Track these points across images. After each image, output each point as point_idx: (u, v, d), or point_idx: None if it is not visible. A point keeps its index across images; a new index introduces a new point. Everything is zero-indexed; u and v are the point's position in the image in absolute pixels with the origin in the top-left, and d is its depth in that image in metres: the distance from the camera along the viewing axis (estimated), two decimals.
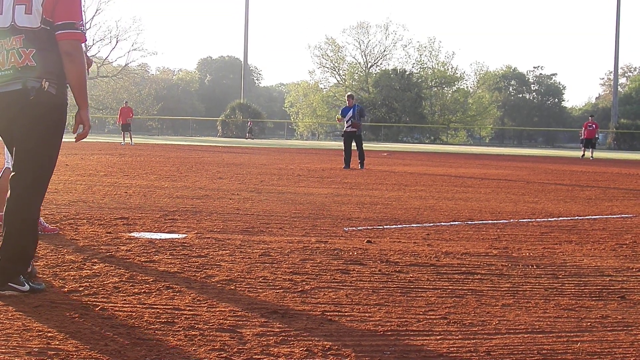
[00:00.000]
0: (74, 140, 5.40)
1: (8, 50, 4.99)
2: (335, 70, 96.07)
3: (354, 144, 22.73)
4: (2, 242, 5.00)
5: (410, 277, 6.01)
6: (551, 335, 4.45)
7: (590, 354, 4.09)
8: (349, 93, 24.86)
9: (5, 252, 4.96)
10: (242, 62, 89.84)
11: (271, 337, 4.19)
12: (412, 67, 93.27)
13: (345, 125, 22.76)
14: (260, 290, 5.37)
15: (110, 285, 5.37)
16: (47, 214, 8.80)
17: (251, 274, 5.92)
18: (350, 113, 22.51)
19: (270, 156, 29.83)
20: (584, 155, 40.22)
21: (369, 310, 4.89)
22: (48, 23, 4.96)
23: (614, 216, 10.92)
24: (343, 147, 22.87)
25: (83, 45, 5.14)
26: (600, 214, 11.12)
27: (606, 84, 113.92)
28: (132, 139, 41.09)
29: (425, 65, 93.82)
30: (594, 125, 40.37)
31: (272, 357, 3.84)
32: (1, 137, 5.28)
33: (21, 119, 4.96)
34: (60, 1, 4.96)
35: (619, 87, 79.36)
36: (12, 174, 5.04)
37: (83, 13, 5.22)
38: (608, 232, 9.03)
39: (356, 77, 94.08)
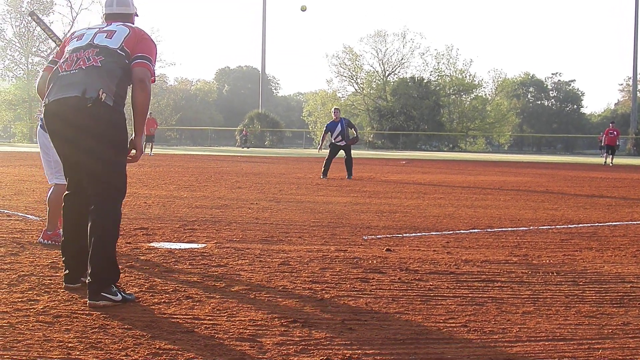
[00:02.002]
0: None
1: (79, 58, 5.35)
2: (353, 79, 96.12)
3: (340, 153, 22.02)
4: (91, 254, 5.12)
5: (430, 285, 5.99)
6: (572, 342, 4.43)
7: None
8: (335, 107, 23.89)
9: (96, 263, 5.10)
10: (260, 72, 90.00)
11: (291, 346, 4.19)
12: (430, 75, 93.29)
13: (334, 140, 21.84)
14: (280, 299, 5.37)
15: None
16: None
17: (271, 283, 5.93)
18: (339, 128, 21.67)
19: (288, 165, 29.86)
20: (606, 162, 39.96)
21: (388, 319, 4.89)
22: (125, 51, 5.37)
23: (635, 222, 10.86)
24: (326, 157, 21.92)
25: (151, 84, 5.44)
26: (620, 221, 11.05)
27: (625, 89, 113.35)
28: (152, 150, 41.24)
29: (443, 73, 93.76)
30: (615, 132, 40.15)
31: None
32: (55, 141, 5.47)
33: (82, 126, 5.20)
34: (141, 43, 5.45)
35: (638, 92, 78.76)
36: (87, 183, 5.29)
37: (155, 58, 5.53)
38: (629, 239, 8.98)
39: (374, 86, 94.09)
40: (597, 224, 10.50)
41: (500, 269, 6.77)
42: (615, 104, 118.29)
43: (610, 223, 10.69)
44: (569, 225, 10.25)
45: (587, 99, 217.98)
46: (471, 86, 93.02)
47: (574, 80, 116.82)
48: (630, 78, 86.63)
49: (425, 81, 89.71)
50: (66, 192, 5.58)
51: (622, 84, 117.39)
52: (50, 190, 7.61)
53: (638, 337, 4.59)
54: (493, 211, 12.11)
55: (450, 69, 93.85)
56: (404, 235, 8.92)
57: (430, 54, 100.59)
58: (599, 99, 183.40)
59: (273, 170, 25.20)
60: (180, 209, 11.35)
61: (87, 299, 5.08)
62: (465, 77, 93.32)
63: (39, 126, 7.72)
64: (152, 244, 7.75)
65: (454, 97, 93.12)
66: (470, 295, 5.67)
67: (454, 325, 4.77)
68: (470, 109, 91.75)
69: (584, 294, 5.77)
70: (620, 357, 4.14)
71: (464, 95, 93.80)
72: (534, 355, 4.15)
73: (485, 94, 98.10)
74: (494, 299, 5.54)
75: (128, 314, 4.84)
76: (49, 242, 7.56)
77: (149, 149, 40.36)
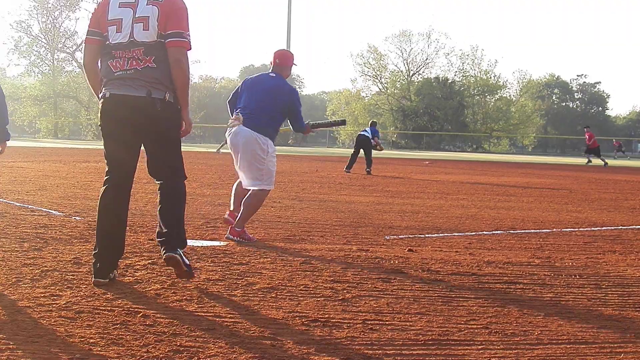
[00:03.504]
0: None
1: (129, 58, 5.61)
2: (377, 79, 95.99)
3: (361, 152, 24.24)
4: (167, 218, 5.85)
5: (452, 286, 5.98)
6: (594, 346, 4.41)
7: None
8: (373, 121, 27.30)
9: (174, 223, 5.85)
10: None
11: (312, 346, 4.19)
12: (455, 75, 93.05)
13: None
14: (301, 298, 5.37)
15: (152, 292, 5.41)
16: (90, 220, 8.88)
17: (292, 281, 5.93)
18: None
19: (311, 164, 29.84)
20: (606, 163, 40.04)
21: (410, 319, 4.88)
22: (161, 36, 5.59)
23: None
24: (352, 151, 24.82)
25: (188, 52, 5.70)
26: None
27: None
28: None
29: (468, 74, 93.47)
30: (588, 136, 40.58)
31: None
32: (117, 134, 5.76)
33: (152, 125, 5.67)
34: (171, 16, 5.59)
35: None
36: (158, 170, 5.90)
37: (189, 25, 5.74)
38: None
39: (398, 85, 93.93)
40: (620, 227, 10.44)
41: (522, 271, 6.75)
42: None
43: (635, 226, 10.62)
44: (593, 228, 10.20)
45: (612, 101, 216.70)
46: (496, 87, 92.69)
47: (599, 82, 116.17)
48: None
49: (449, 81, 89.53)
50: (109, 184, 5.78)
51: None
52: (254, 199, 8.24)
53: None
54: (516, 213, 12.06)
55: (474, 70, 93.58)
56: (426, 235, 8.90)
57: (455, 54, 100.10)
58: (625, 101, 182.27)
59: (296, 168, 25.20)
60: (203, 206, 11.38)
61: (164, 253, 5.66)
62: (490, 77, 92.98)
63: (249, 132, 8.16)
64: None
65: (478, 97, 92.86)
66: (492, 296, 5.65)
67: (475, 326, 4.75)
68: (494, 109, 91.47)
69: (607, 298, 5.74)
70: None
71: (488, 96, 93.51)
72: (556, 358, 4.14)
73: (510, 95, 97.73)
74: (515, 301, 5.51)
75: (150, 310, 4.86)
76: (237, 238, 8.03)
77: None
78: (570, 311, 5.26)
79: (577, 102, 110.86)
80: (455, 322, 4.86)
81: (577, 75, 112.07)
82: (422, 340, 4.39)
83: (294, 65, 8.59)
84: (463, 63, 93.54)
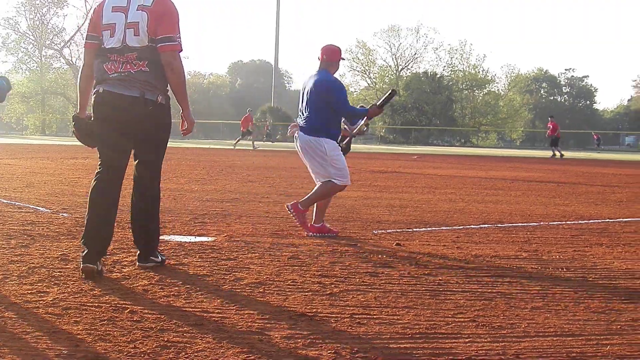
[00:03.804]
0: (182, 135, 6.38)
1: (123, 62, 5.82)
2: (365, 74, 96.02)
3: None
4: (143, 226, 6.13)
5: (439, 279, 5.99)
6: (580, 338, 4.42)
7: (620, 357, 4.07)
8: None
9: (147, 233, 6.13)
10: (273, 66, 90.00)
11: (299, 340, 4.19)
12: (443, 70, 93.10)
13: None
14: (289, 293, 5.37)
15: (139, 288, 5.40)
16: (77, 217, 8.86)
17: (280, 276, 5.93)
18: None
19: (300, 159, 29.79)
20: (555, 155, 40.09)
21: (397, 313, 4.89)
22: (152, 41, 5.79)
23: None
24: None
25: (180, 54, 5.95)
26: (631, 217, 11.02)
27: (639, 85, 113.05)
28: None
29: (456, 68, 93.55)
30: (552, 126, 40.53)
31: None
32: (105, 128, 5.93)
33: (142, 124, 5.88)
34: (160, 21, 5.79)
35: None
36: (138, 168, 6.08)
37: (179, 27, 5.96)
38: (639, 235, 8.95)
39: (387, 80, 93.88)
40: (607, 220, 10.48)
41: (509, 264, 6.77)
42: (629, 100, 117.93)
43: (621, 219, 10.66)
44: (580, 221, 10.23)
45: (600, 95, 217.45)
46: (484, 81, 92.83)
47: (587, 76, 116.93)
48: None
49: (438, 76, 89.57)
50: (101, 175, 5.94)
51: (635, 80, 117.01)
52: (324, 186, 8.48)
53: None
54: (504, 206, 12.09)
55: (463, 64, 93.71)
56: (414, 230, 8.92)
57: (444, 49, 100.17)
58: (613, 95, 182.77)
59: (284, 164, 25.19)
60: (191, 202, 11.37)
61: (137, 262, 6.14)
62: (479, 72, 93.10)
63: (304, 136, 8.45)
64: (162, 237, 7.73)
65: (466, 92, 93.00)
66: (479, 290, 5.66)
67: (462, 320, 4.77)
68: (482, 104, 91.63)
69: (594, 290, 5.76)
70: (628, 354, 4.13)
71: (476, 91, 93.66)
72: (542, 350, 4.15)
73: (498, 90, 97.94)
74: (503, 294, 5.53)
75: (137, 306, 4.85)
76: (316, 234, 8.31)
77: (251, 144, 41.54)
78: (557, 304, 5.28)
79: (565, 96, 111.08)
80: (443, 315, 4.87)
81: (565, 69, 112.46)
82: (409, 334, 4.40)
83: (341, 60, 8.59)
84: (452, 58, 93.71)
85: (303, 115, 8.42)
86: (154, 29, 5.76)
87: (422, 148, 60.05)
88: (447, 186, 16.71)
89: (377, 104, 8.53)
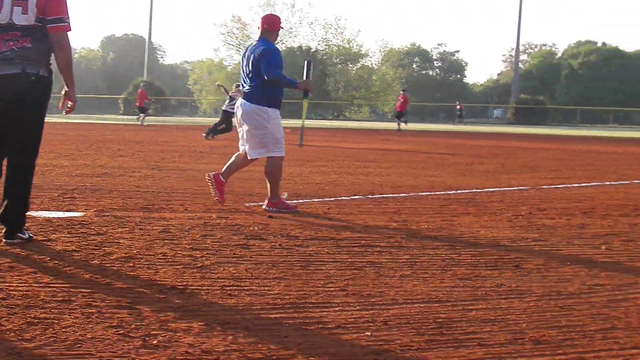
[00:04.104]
0: (64, 113, 6.44)
1: (6, 40, 5.82)
2: (240, 48, 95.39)
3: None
4: (11, 203, 6.00)
5: (310, 250, 6.04)
6: (447, 304, 4.54)
7: (485, 321, 4.19)
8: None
9: (15, 210, 6.02)
10: (146, 40, 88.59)
11: (169, 313, 4.16)
12: (318, 44, 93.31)
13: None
14: (160, 267, 5.32)
15: (5, 264, 5.25)
16: None
17: (150, 251, 5.87)
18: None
19: (172, 133, 29.55)
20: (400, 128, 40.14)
21: (268, 284, 4.91)
22: (40, 20, 5.82)
23: (511, 189, 11.16)
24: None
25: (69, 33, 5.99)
26: (497, 187, 11.35)
27: (507, 60, 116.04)
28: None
29: (331, 43, 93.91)
30: (403, 99, 40.79)
31: (170, 333, 3.81)
32: None
33: (21, 98, 5.85)
34: (50, 1, 5.81)
35: (519, 63, 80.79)
36: (16, 143, 5.99)
37: (67, 7, 5.98)
38: (505, 204, 9.23)
39: None
40: (475, 190, 10.75)
41: (379, 234, 6.88)
42: (498, 74, 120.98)
43: (488, 189, 10.96)
44: (448, 192, 10.47)
45: (470, 70, 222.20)
46: (357, 56, 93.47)
47: (459, 50, 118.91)
48: (513, 49, 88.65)
49: (312, 51, 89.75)
50: None
51: (505, 55, 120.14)
52: (267, 164, 8.53)
53: (510, 298, 4.73)
54: (375, 178, 12.27)
55: (337, 39, 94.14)
56: (286, 202, 8.94)
57: (319, 23, 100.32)
58: (483, 69, 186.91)
59: (156, 138, 24.90)
60: (60, 177, 11.11)
61: (2, 239, 5.97)
62: (353, 47, 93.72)
63: (247, 104, 8.42)
64: (29, 213, 7.55)
65: (340, 66, 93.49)
66: (349, 260, 5.74)
67: (332, 289, 4.82)
68: (356, 78, 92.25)
69: (460, 258, 5.92)
70: (492, 317, 4.26)
71: (350, 65, 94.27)
72: (410, 316, 4.23)
73: (372, 64, 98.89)
74: (372, 264, 5.62)
75: (3, 284, 4.72)
76: (274, 209, 8.26)
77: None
78: (425, 271, 5.40)
79: (437, 70, 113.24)
80: (313, 285, 4.92)
81: (438, 44, 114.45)
82: (280, 304, 4.42)
83: (281, 29, 8.80)
84: (326, 32, 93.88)
85: (246, 83, 8.47)
86: (43, 9, 5.79)
87: (296, 121, 60.18)
88: (320, 159, 16.83)
89: (304, 78, 8.91)
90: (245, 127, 8.46)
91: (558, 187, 11.55)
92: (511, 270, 5.54)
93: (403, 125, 39.84)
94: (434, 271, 5.43)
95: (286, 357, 3.52)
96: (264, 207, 8.37)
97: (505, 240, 6.77)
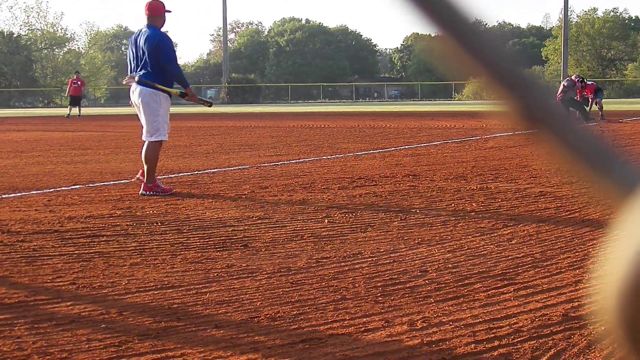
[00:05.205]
0: None
1: None
2: None
3: None
4: None
5: (35, 245, 5.85)
6: (180, 289, 4.56)
7: (219, 302, 4.25)
8: None
9: None
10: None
11: None
12: (20, 29, 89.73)
13: None
14: None
15: None
16: None
17: None
18: None
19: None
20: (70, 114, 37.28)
21: None
22: None
23: (232, 168, 11.35)
24: None
25: None
26: (218, 167, 11.48)
27: (216, 39, 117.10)
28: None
29: (34, 27, 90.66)
30: (79, 82, 38.88)
31: None
32: None
33: None
34: None
35: (228, 42, 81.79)
36: None
37: None
38: (227, 184, 9.37)
39: None
40: (196, 172, 10.84)
41: (104, 223, 6.77)
42: (208, 54, 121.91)
43: (209, 170, 11.08)
44: (170, 175, 10.47)
45: (180, 50, 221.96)
46: (63, 40, 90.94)
47: (168, 31, 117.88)
48: (220, 28, 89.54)
49: (15, 36, 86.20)
50: None
51: (213, 34, 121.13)
52: (146, 147, 8.57)
53: (241, 277, 4.83)
54: (94, 166, 12.04)
55: (41, 23, 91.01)
56: (3, 196, 8.59)
57: (20, 7, 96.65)
58: (193, 49, 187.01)
59: None
60: None
61: None
62: (57, 30, 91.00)
63: (143, 88, 8.48)
64: None
65: (46, 51, 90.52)
66: (76, 252, 5.62)
67: (62, 283, 4.71)
68: (64, 63, 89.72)
69: (189, 241, 5.96)
70: (226, 299, 4.33)
71: (56, 50, 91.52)
72: (144, 305, 4.23)
73: (79, 48, 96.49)
74: (100, 254, 5.54)
75: None
76: (150, 193, 8.42)
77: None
78: (155, 258, 5.39)
79: None
80: (41, 281, 4.78)
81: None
82: (8, 304, 4.26)
83: (166, 13, 8.65)
84: (28, 16, 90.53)
85: (138, 69, 8.48)
86: None
87: (4, 111, 57.64)
88: (34, 149, 16.26)
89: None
90: (139, 110, 8.63)
91: (277, 164, 11.87)
92: (240, 250, 5.65)
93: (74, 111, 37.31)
94: (164, 257, 5.43)
95: (21, 358, 3.41)
96: (140, 191, 8.46)
97: (232, 220, 6.88)
